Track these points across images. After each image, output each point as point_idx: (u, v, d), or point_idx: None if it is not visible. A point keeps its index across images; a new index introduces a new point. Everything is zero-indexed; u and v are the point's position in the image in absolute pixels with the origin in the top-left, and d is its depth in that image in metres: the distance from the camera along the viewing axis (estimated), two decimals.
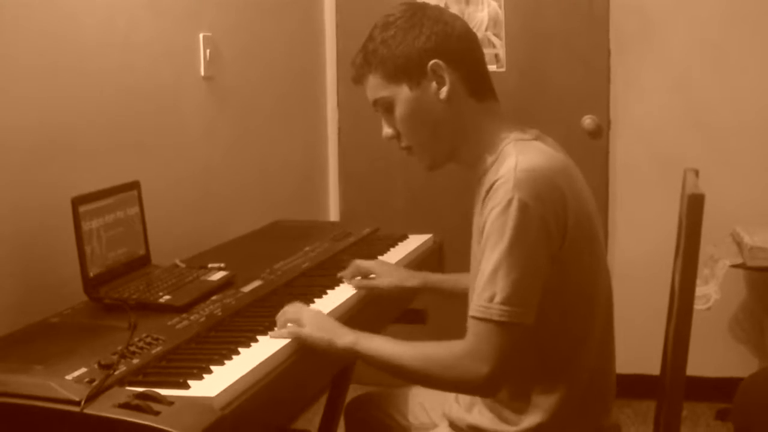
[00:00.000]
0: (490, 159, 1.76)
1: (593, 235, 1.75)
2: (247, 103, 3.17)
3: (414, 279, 2.16)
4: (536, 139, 1.78)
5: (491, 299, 1.62)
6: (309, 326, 1.77)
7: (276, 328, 1.81)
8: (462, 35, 1.80)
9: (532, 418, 1.76)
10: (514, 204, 1.62)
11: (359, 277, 2.16)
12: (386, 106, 1.81)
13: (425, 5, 1.82)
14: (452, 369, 1.66)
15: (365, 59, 1.81)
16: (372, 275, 2.16)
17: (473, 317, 1.64)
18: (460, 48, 1.79)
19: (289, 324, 1.79)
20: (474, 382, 1.65)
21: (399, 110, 1.79)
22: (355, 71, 1.84)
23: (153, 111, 2.59)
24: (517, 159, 1.67)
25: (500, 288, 1.61)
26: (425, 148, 1.83)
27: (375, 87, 1.81)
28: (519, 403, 1.77)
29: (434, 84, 1.77)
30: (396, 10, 1.81)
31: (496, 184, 1.66)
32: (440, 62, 1.76)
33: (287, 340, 1.75)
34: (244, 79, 3.13)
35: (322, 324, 1.80)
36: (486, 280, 1.63)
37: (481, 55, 1.84)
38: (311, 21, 3.79)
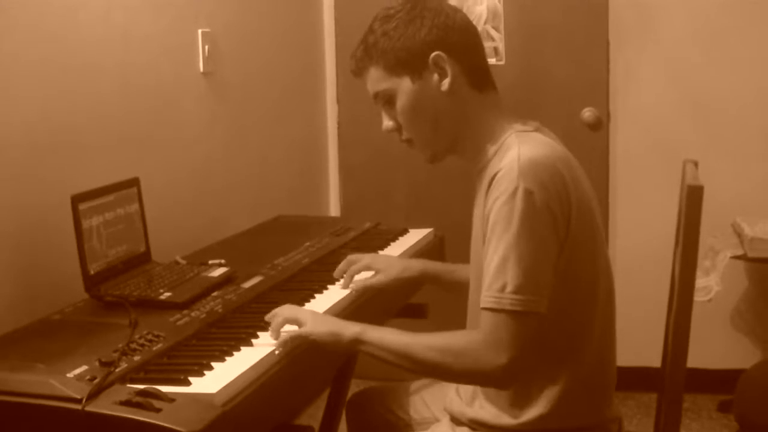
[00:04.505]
0: (491, 150, 1.76)
1: (594, 224, 1.75)
2: (247, 99, 3.17)
3: (412, 269, 2.13)
4: (536, 130, 1.78)
5: (503, 289, 1.61)
6: (310, 324, 1.74)
7: (270, 331, 1.75)
8: (463, 27, 1.80)
9: (533, 410, 1.76)
10: (520, 193, 1.62)
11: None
12: (387, 99, 1.81)
13: None
14: (467, 360, 1.64)
15: (366, 52, 1.80)
16: (370, 272, 2.13)
17: (485, 308, 1.63)
18: (461, 40, 1.79)
19: (287, 326, 1.75)
20: (491, 373, 1.63)
21: (400, 102, 1.79)
22: (356, 64, 1.83)
23: (152, 107, 2.59)
24: (519, 149, 1.67)
25: (511, 277, 1.61)
26: (427, 140, 1.83)
27: (376, 79, 1.80)
28: (520, 394, 1.77)
29: (436, 76, 1.77)
30: (396, 2, 1.81)
31: (499, 174, 1.66)
32: (442, 54, 1.76)
33: (288, 338, 1.74)
34: (243, 74, 3.13)
35: (323, 319, 1.79)
36: (496, 270, 1.62)
37: (482, 46, 1.85)
38: (310, 16, 3.79)
